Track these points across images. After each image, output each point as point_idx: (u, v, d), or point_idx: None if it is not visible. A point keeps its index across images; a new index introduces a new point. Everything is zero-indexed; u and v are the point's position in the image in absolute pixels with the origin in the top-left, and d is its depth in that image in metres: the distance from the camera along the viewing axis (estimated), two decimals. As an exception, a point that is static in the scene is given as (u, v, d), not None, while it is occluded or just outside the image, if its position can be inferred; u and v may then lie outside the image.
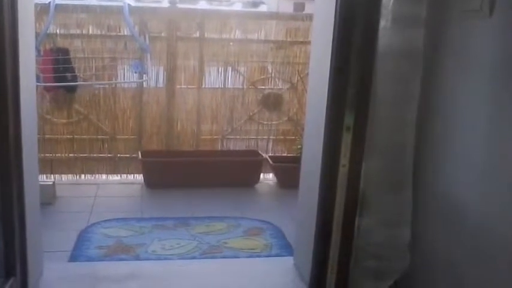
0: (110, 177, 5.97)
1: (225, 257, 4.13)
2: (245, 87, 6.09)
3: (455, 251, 2.84)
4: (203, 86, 5.99)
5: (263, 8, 9.65)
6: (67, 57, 5.48)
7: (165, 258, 4.05)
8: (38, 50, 5.19)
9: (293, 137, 6.20)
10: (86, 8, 5.58)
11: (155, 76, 5.86)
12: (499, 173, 2.52)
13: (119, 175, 5.98)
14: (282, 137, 6.27)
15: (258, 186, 5.93)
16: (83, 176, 5.90)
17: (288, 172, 5.42)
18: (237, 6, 9.37)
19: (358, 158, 3.07)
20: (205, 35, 5.89)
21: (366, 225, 3.18)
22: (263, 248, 4.30)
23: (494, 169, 2.56)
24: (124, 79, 5.83)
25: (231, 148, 6.20)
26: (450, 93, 2.88)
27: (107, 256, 4.05)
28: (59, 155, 5.81)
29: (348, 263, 3.24)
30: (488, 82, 2.61)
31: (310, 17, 5.56)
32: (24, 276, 3.19)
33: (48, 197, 5.01)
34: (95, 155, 5.90)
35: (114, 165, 5.97)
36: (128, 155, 5.94)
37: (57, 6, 5.34)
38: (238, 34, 5.97)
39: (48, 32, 5.33)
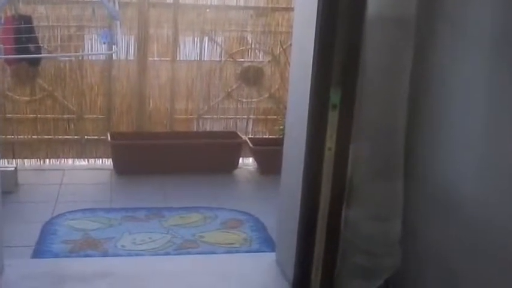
0: (77, 162, 5.89)
1: (201, 252, 4.11)
2: (223, 59, 6.01)
3: (451, 247, 2.81)
4: (177, 59, 5.91)
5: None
6: (30, 25, 5.34)
7: (136, 255, 4.02)
8: (-2, 18, 5.07)
9: (275, 117, 6.10)
10: (51, -30, 5.46)
11: (125, 47, 5.77)
12: (500, 159, 2.48)
13: (86, 160, 5.90)
14: (262, 117, 6.19)
15: (236, 172, 5.87)
16: (47, 160, 5.82)
17: (270, 156, 5.33)
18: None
19: (345, 140, 3.05)
20: (180, 1, 5.80)
21: (353, 217, 3.15)
22: (242, 243, 4.28)
23: (494, 155, 2.52)
24: (92, 50, 5.76)
25: (208, 129, 6.13)
26: (446, 66, 2.83)
27: (73, 252, 4.03)
28: (22, 136, 5.71)
29: (334, 260, 3.25)
30: (488, 53, 2.56)
31: (294, -21, 5.45)
32: (-18, 274, 3.14)
33: (10, 184, 4.92)
34: (60, 136, 5.81)
35: (81, 149, 5.86)
36: (96, 137, 5.85)
37: (19, -33, 5.21)
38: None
39: (9, -4, 5.20)
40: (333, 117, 2.99)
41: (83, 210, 4.66)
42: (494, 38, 2.52)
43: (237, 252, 4.14)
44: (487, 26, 2.56)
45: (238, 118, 6.16)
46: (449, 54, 2.81)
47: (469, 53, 2.67)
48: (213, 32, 5.94)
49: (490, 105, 2.56)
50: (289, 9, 5.81)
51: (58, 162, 5.83)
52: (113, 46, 5.60)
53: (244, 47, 6.06)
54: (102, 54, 5.76)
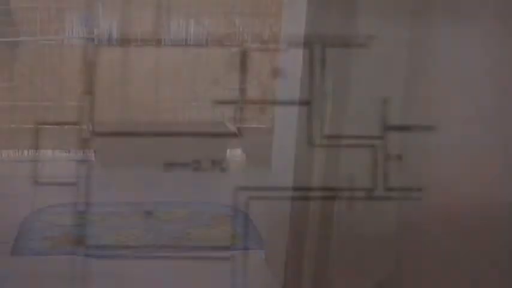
0: (57, 153, 5.87)
1: (187, 250, 4.08)
2: (209, 43, 5.99)
3: (451, 245, 2.76)
4: (162, 43, 5.92)
5: None
6: (7, 7, 5.32)
7: (119, 254, 4.00)
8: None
9: (264, 105, 6.08)
10: None
11: (107, 30, 5.77)
12: (500, 152, 2.46)
13: (66, 151, 5.88)
14: (251, 105, 6.13)
15: (224, 163, 5.81)
16: (25, 151, 5.79)
17: (259, 147, 5.32)
18: None
19: (338, 130, 3.03)
20: (164, -21, 5.78)
21: (347, 212, 3.11)
22: (230, 240, 4.25)
23: (494, 148, 2.49)
24: (72, 33, 5.76)
25: (194, 118, 6.11)
26: (441, 51, 2.80)
27: (54, 249, 4.06)
28: (-1, 125, 5.68)
29: (327, 259, 3.19)
30: (488, 39, 2.52)
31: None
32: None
33: (-14, 176, 4.92)
34: (39, 126, 5.73)
35: (62, 139, 5.79)
36: (76, 126, 5.78)
37: None
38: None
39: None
40: (325, 105, 2.98)
41: (64, 205, 4.61)
42: (494, 20, 2.50)
43: (225, 250, 4.10)
44: (487, 8, 2.53)
45: (226, 106, 6.12)
46: (446, 38, 2.78)
47: (466, 35, 2.65)
48: (200, 14, 5.94)
49: (487, 91, 2.54)
50: (279, -11, 5.81)
51: (37, 153, 5.78)
52: (95, 29, 5.56)
53: (232, 31, 6.03)
54: (83, 38, 5.73)
